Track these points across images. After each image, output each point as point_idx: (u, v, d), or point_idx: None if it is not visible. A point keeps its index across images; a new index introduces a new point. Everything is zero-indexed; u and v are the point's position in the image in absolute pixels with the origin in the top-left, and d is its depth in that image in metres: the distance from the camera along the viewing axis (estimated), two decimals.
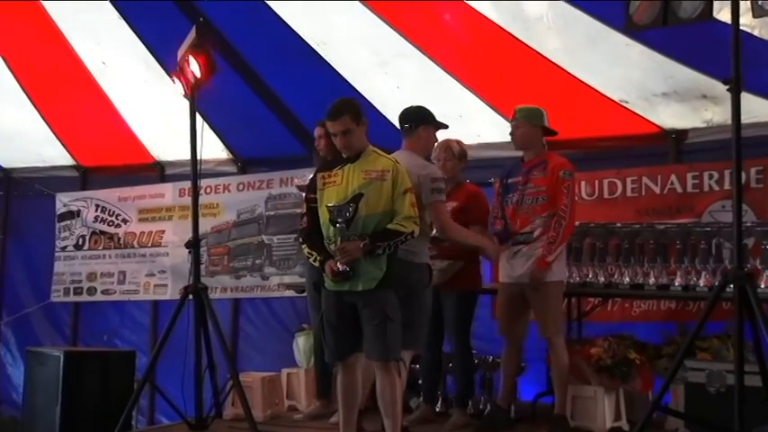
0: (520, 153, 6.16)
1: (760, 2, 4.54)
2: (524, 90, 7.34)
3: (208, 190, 9.32)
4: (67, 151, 10.20)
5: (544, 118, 6.08)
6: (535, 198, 5.95)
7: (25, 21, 8.67)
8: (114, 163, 10.24)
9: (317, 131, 6.52)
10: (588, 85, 7.28)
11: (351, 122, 5.10)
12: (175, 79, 6.88)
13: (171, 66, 7.37)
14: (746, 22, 4.84)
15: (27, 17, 8.59)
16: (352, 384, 5.18)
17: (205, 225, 8.95)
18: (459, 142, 6.53)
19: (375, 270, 4.99)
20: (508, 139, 6.36)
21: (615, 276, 6.46)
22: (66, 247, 10.50)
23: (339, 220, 4.97)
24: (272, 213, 9.15)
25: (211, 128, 8.59)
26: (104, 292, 10.25)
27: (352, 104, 5.26)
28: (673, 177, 7.38)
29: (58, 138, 9.96)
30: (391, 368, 5.03)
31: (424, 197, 5.45)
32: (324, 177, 5.22)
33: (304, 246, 5.33)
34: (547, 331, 5.92)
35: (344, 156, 5.18)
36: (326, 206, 5.04)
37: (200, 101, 6.70)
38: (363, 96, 7.71)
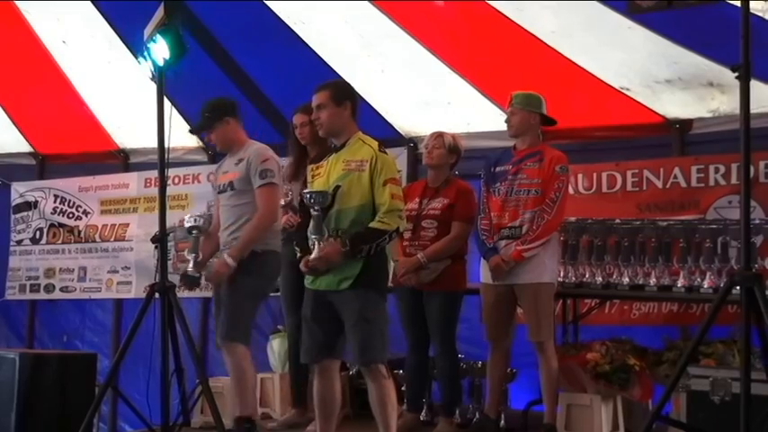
0: (512, 143, 6.17)
1: None
2: (517, 75, 7.36)
3: (176, 180, 9.31)
4: (24, 137, 10.16)
5: (543, 105, 6.09)
6: (527, 190, 5.95)
7: None
8: (74, 150, 10.21)
9: (298, 118, 6.49)
10: (586, 71, 7.30)
11: (328, 99, 5.18)
12: (141, 60, 6.87)
13: (137, 46, 7.34)
14: (755, 4, 4.85)
15: None
16: (329, 391, 5.19)
17: (173, 218, 8.89)
18: (454, 136, 6.55)
19: (351, 269, 4.99)
20: (500, 128, 6.37)
21: (614, 276, 6.49)
22: (21, 240, 10.46)
23: (316, 207, 4.99)
24: None
25: (180, 113, 8.49)
26: (63, 289, 10.22)
27: (338, 84, 5.41)
28: (676, 171, 7.40)
29: (13, 122, 9.92)
30: (373, 371, 5.03)
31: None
32: (312, 170, 5.31)
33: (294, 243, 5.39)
34: (538, 335, 5.93)
35: (328, 143, 5.27)
36: (302, 192, 5.09)
37: (169, 84, 6.67)
38: (345, 81, 7.70)
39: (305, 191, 5.16)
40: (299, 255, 5.20)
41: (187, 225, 6.08)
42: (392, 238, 5.04)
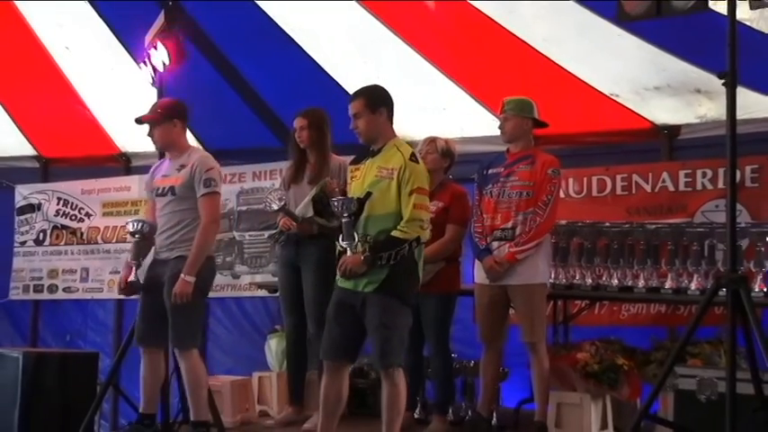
0: (505, 147, 6.17)
1: None
2: (510, 81, 7.35)
3: None
4: (28, 141, 10.14)
5: (534, 110, 6.08)
6: (519, 192, 5.93)
7: None
8: (77, 154, 10.19)
9: (298, 123, 6.49)
10: (577, 77, 7.31)
11: (362, 107, 5.17)
12: (143, 66, 6.88)
13: (138, 51, 7.35)
14: (743, 13, 4.86)
15: None
16: (336, 391, 5.18)
17: None
18: (447, 141, 6.55)
19: (377, 274, 5.00)
20: (493, 132, 6.36)
21: (603, 278, 6.48)
22: (25, 242, 10.44)
23: (345, 214, 5.01)
24: (243, 209, 9.15)
25: None
26: (66, 289, 10.21)
27: (372, 90, 5.32)
28: (664, 175, 7.41)
29: (17, 126, 9.90)
30: (389, 374, 5.05)
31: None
32: (351, 171, 5.33)
33: None
34: (532, 336, 5.92)
35: (369, 148, 5.25)
36: (331, 200, 5.11)
37: (169, 89, 6.69)
38: (341, 86, 7.70)
39: (333, 198, 5.16)
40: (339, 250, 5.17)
41: (130, 230, 6.06)
42: (412, 247, 5.03)
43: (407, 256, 5.02)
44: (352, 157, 5.62)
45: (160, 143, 6.02)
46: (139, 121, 5.99)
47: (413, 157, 5.13)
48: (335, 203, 5.09)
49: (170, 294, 5.65)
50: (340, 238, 5.09)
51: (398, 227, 4.98)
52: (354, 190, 5.18)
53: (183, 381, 5.81)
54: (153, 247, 6.02)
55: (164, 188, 5.90)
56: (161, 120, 5.94)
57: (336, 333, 5.15)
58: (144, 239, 5.99)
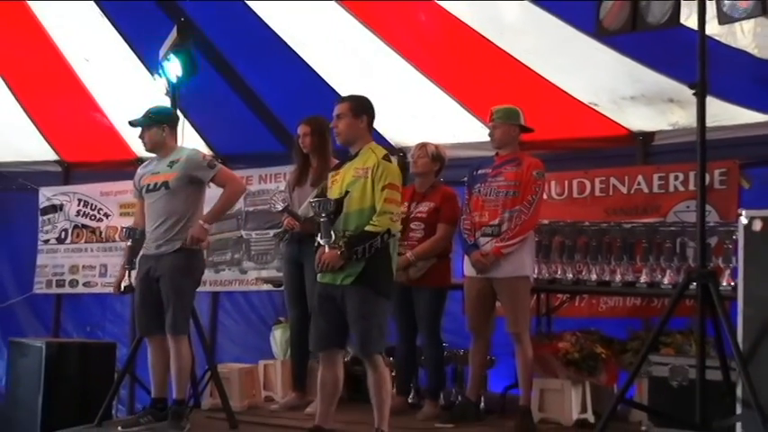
0: (493, 152, 6.16)
1: (725, 9, 4.55)
2: (497, 92, 7.34)
3: None
4: (51, 146, 10.11)
5: (521, 117, 6.08)
6: (505, 191, 5.92)
7: (9, 18, 8.60)
8: (96, 159, 10.16)
9: (301, 129, 6.49)
10: (559, 88, 7.30)
11: (347, 110, 5.18)
12: (157, 77, 6.87)
13: (152, 63, 7.34)
14: (712, 28, 4.86)
15: (10, 14, 8.52)
16: (332, 378, 5.16)
17: None
18: (437, 146, 6.57)
19: (354, 267, 4.98)
20: (482, 139, 6.35)
21: (583, 273, 6.48)
22: (48, 240, 10.42)
23: (323, 214, 4.98)
24: (250, 209, 9.12)
25: (192, 125, 8.55)
26: (86, 284, 10.19)
27: (358, 98, 5.32)
28: (639, 178, 7.40)
29: (41, 133, 9.87)
30: (371, 361, 5.03)
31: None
32: (331, 176, 5.31)
33: None
34: (516, 326, 5.91)
35: (338, 144, 5.29)
36: (309, 201, 5.09)
37: (181, 98, 6.68)
38: (340, 95, 7.68)
39: (311, 200, 5.15)
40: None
41: (123, 236, 6.13)
42: (384, 239, 5.00)
43: (382, 249, 5.00)
44: None
45: (149, 145, 6.01)
46: (133, 124, 6.01)
47: (386, 157, 5.14)
48: (314, 205, 5.06)
49: (171, 285, 5.70)
50: (318, 236, 5.06)
51: (370, 221, 4.98)
52: (333, 193, 5.16)
53: (171, 364, 5.80)
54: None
55: (155, 184, 5.86)
56: (152, 124, 5.95)
57: (323, 325, 5.14)
58: (136, 244, 6.00)
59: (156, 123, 5.94)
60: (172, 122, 6.07)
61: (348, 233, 5.00)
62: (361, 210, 5.03)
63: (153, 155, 6.05)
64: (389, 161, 5.15)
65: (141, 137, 5.99)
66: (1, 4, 8.41)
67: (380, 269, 5.05)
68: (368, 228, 4.97)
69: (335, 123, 5.22)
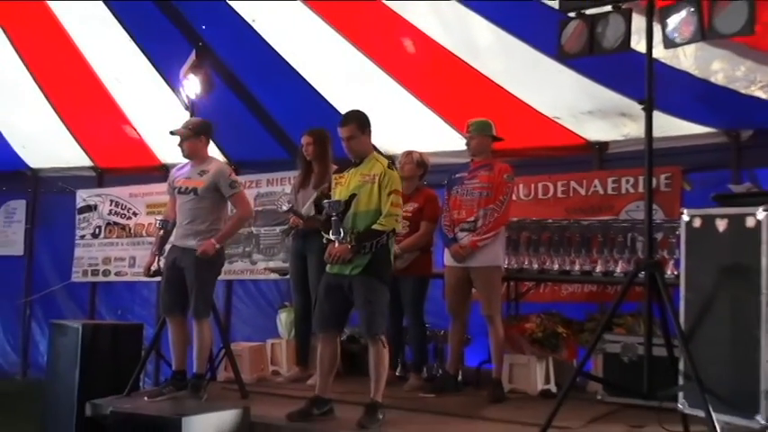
0: (469, 159, 6.15)
1: (670, 35, 4.55)
2: (473, 106, 7.30)
3: None
4: (86, 154, 10.07)
5: (493, 128, 6.10)
6: (480, 192, 5.93)
7: (52, 45, 8.62)
8: (126, 165, 10.12)
9: (305, 139, 6.48)
10: (526, 103, 7.29)
11: (356, 130, 5.13)
12: (178, 94, 6.85)
13: (174, 82, 7.32)
14: (659, 52, 4.86)
15: (52, 39, 8.52)
16: (330, 354, 5.17)
17: None
18: (421, 154, 6.58)
19: (361, 259, 4.98)
20: (459, 147, 6.34)
21: (546, 264, 6.49)
22: (84, 235, 10.38)
23: (333, 213, 4.97)
24: (259, 209, 9.07)
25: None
26: (117, 273, 10.16)
27: (359, 115, 5.23)
28: (596, 182, 7.40)
29: (78, 142, 9.83)
30: (374, 340, 5.03)
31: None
32: (336, 179, 5.26)
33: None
34: (489, 309, 5.92)
35: (352, 160, 5.19)
36: (323, 202, 5.08)
37: (199, 112, 6.67)
38: (337, 110, 7.66)
39: (324, 201, 5.11)
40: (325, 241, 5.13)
41: (157, 226, 6.14)
42: (389, 237, 5.04)
43: (385, 244, 5.02)
44: None
45: (187, 153, 6.00)
46: (173, 133, 5.98)
47: (390, 166, 5.14)
48: (326, 205, 5.05)
49: (195, 276, 5.71)
50: (329, 233, 5.04)
51: (378, 221, 4.98)
52: (339, 194, 5.13)
53: (195, 343, 5.85)
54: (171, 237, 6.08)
55: (186, 188, 5.89)
56: (191, 135, 5.93)
57: (326, 309, 5.13)
58: (166, 234, 6.04)
59: (196, 135, 5.92)
60: (208, 133, 6.07)
61: (356, 231, 4.99)
62: (368, 211, 5.03)
63: (188, 160, 6.04)
64: (393, 170, 5.15)
65: (180, 145, 5.97)
66: (46, 33, 8.46)
67: (383, 261, 5.07)
68: (375, 226, 4.97)
69: (348, 146, 5.14)
